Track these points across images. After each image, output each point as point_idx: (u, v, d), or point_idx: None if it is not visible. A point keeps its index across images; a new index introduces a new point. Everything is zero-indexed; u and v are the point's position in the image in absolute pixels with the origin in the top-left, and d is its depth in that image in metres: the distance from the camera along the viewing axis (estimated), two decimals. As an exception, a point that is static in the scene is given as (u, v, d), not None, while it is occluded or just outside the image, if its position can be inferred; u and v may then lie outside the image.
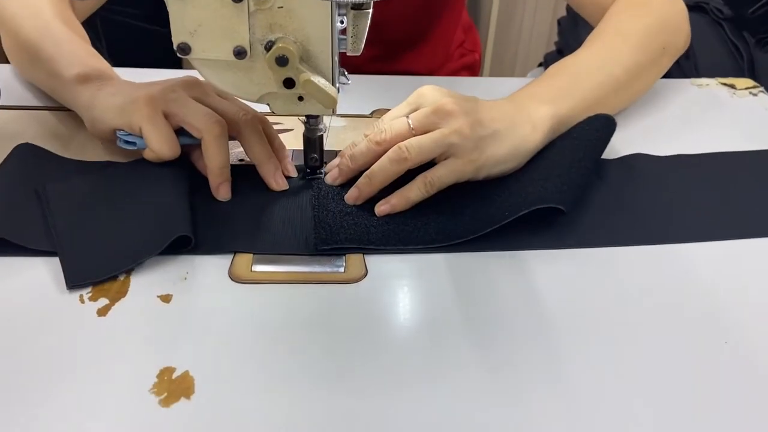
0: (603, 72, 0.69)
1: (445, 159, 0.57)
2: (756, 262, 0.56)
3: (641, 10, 0.74)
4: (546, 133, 0.61)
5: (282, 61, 0.50)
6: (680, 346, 0.48)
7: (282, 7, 0.49)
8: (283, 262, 0.54)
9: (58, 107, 0.72)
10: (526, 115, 0.61)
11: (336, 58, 0.53)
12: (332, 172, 0.60)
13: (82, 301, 0.49)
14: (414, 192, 0.57)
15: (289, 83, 0.52)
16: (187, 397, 0.43)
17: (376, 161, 0.57)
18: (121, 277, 0.51)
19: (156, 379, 0.43)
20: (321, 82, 0.51)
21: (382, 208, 0.57)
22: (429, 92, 0.60)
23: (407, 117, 0.58)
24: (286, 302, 0.50)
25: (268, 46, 0.50)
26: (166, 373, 0.44)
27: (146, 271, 0.52)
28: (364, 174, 0.58)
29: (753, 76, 1.17)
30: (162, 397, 0.42)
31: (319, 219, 0.56)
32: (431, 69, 1.04)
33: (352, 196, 0.58)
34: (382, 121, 0.60)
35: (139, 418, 0.41)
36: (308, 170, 0.61)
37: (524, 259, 0.55)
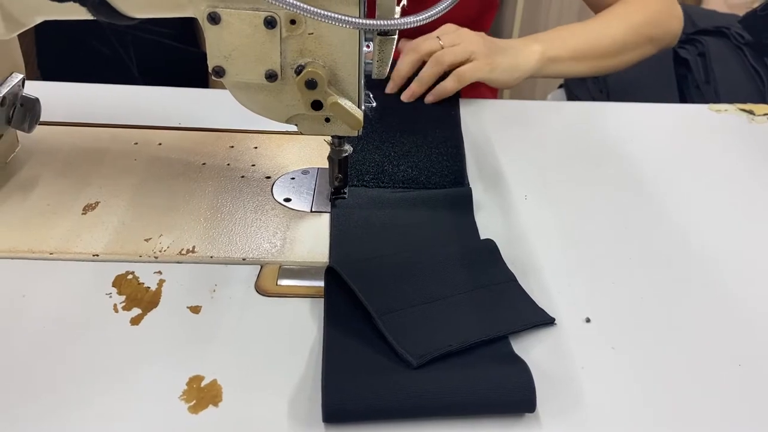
0: (592, 38, 0.87)
1: (468, 62, 0.79)
2: None
3: (638, 6, 0.91)
4: (537, 63, 0.83)
5: (311, 84, 0.52)
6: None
7: (312, 33, 0.51)
8: (307, 277, 0.56)
9: (93, 123, 0.75)
10: (524, 46, 0.84)
11: (362, 82, 0.55)
12: (390, 85, 0.81)
13: (116, 311, 0.51)
14: (450, 84, 0.79)
15: (317, 105, 0.54)
16: (215, 404, 0.44)
17: (418, 71, 0.80)
18: (153, 288, 0.53)
19: (185, 387, 0.45)
20: (347, 104, 0.53)
21: (429, 98, 0.79)
22: (450, 26, 0.83)
23: (438, 37, 0.80)
24: (310, 315, 0.52)
25: (298, 70, 0.52)
26: (195, 381, 0.46)
27: (177, 283, 0.54)
28: (415, 79, 0.80)
29: (773, 101, 1.18)
30: (191, 404, 0.44)
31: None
32: None
33: (407, 95, 0.80)
34: (417, 42, 0.80)
35: (169, 424, 0.43)
36: (332, 190, 0.63)
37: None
